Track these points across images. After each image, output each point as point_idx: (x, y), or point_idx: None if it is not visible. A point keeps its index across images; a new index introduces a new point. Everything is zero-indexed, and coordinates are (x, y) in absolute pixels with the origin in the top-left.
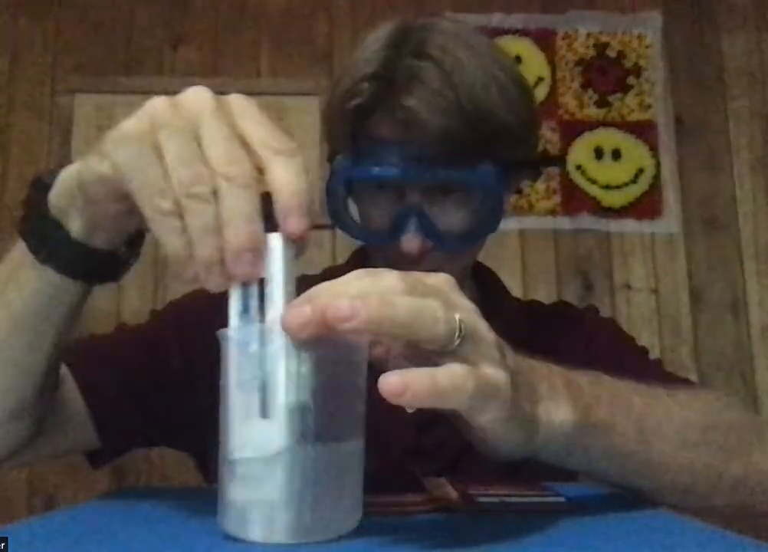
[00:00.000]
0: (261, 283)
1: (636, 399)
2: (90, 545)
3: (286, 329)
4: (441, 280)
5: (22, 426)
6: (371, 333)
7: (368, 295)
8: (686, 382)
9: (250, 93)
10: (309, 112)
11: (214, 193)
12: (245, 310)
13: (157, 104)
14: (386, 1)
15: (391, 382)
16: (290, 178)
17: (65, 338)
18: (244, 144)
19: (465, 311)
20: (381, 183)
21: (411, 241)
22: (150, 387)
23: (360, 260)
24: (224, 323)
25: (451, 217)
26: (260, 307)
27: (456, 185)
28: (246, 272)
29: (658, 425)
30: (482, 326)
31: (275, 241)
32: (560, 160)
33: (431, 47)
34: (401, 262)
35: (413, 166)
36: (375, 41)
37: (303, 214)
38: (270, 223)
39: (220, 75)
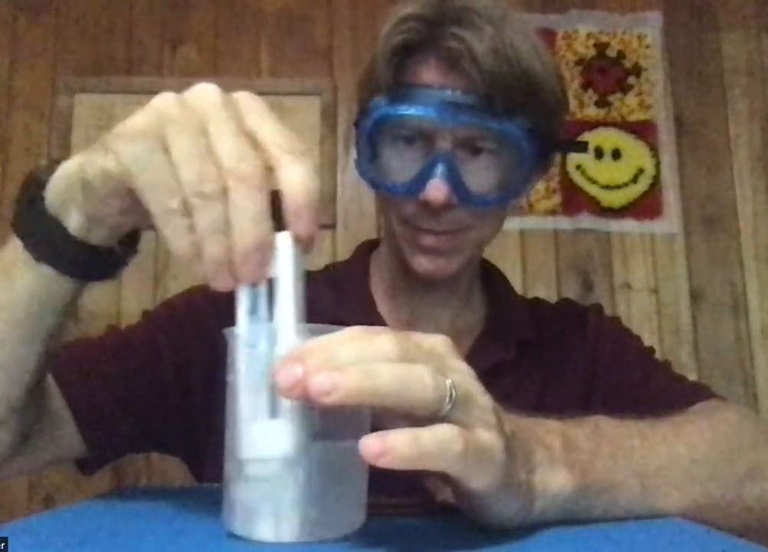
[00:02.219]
0: (270, 282)
1: (638, 444)
2: (90, 545)
3: (278, 386)
4: (437, 342)
5: (7, 433)
6: (354, 404)
7: (354, 364)
8: (697, 387)
9: None
10: (309, 112)
11: (223, 191)
12: (253, 309)
13: (164, 100)
14: (386, 1)
15: (370, 445)
16: (300, 178)
17: (56, 340)
18: (253, 141)
19: (460, 374)
20: (413, 129)
21: (437, 189)
22: (139, 393)
23: (363, 255)
24: (222, 322)
25: (479, 176)
26: (268, 306)
27: (487, 142)
28: (254, 272)
29: (662, 469)
30: (477, 390)
31: (284, 240)
32: (584, 146)
33: (477, 6)
34: (421, 217)
35: (451, 110)
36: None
37: (313, 215)
38: (278, 221)
39: (220, 75)
